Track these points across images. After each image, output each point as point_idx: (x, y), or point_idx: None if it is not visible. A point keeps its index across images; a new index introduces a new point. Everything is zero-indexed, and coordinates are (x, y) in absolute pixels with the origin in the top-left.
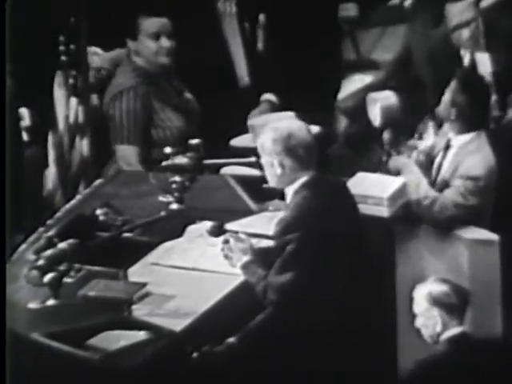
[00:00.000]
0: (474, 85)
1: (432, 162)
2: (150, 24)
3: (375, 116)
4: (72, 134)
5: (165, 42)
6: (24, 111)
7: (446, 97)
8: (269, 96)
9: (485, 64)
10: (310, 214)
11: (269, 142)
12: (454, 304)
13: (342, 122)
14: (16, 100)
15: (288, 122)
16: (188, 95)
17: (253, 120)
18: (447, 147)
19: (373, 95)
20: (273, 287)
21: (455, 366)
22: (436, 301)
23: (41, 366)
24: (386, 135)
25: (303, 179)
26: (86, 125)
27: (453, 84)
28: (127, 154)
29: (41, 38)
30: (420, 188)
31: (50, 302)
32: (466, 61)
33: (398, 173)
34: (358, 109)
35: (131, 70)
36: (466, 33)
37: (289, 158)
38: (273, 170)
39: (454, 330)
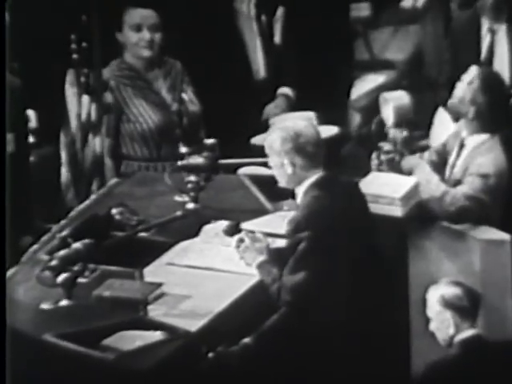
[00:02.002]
0: (497, 87)
1: (445, 162)
2: (133, 15)
3: (388, 116)
4: (85, 133)
5: (145, 34)
6: (30, 113)
7: (464, 93)
8: (285, 90)
9: (503, 39)
10: (320, 213)
11: (278, 142)
12: (466, 307)
13: (356, 122)
14: (23, 99)
15: (295, 121)
16: (185, 95)
17: (274, 119)
18: (461, 146)
19: (385, 95)
20: (286, 287)
21: (468, 368)
22: (448, 304)
23: (51, 368)
24: (399, 135)
25: (312, 179)
26: (98, 123)
27: (474, 82)
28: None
29: (50, 37)
30: (431, 184)
31: (63, 303)
32: (485, 45)
33: (410, 172)
34: (372, 108)
35: (116, 64)
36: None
37: (299, 157)
38: (283, 169)
39: (467, 333)
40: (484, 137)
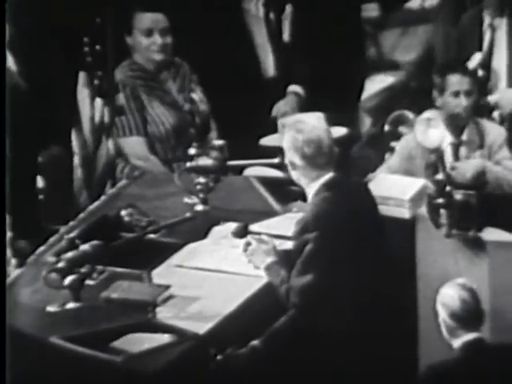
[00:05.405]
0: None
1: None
2: (143, 20)
3: (434, 139)
4: (98, 135)
5: (157, 39)
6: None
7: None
8: (295, 88)
9: (502, 35)
10: (328, 214)
11: (283, 141)
12: (457, 312)
13: (366, 123)
14: (28, 102)
15: (303, 122)
16: (195, 95)
17: (283, 119)
18: (457, 147)
19: (427, 115)
20: (294, 289)
21: (469, 372)
22: (443, 304)
23: (58, 371)
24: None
25: (322, 180)
26: (111, 125)
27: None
28: (136, 147)
29: (62, 39)
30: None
31: (71, 305)
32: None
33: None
34: (381, 109)
35: (127, 64)
36: None
37: (297, 157)
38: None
39: (469, 336)
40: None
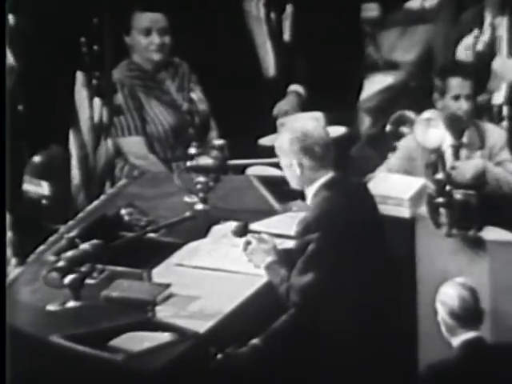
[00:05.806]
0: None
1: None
2: (142, 19)
3: (434, 139)
4: (97, 135)
5: (155, 39)
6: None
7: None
8: (296, 87)
9: (503, 35)
10: (329, 214)
11: (286, 143)
12: (456, 310)
13: (365, 123)
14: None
15: (303, 122)
16: (194, 95)
17: (283, 119)
18: (457, 148)
19: (427, 115)
20: (295, 288)
21: (468, 370)
22: (443, 303)
23: (59, 369)
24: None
25: (322, 180)
26: (110, 125)
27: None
28: (135, 147)
29: (59, 39)
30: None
31: (71, 304)
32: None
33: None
34: (380, 109)
35: (125, 64)
36: None
37: (306, 158)
38: (292, 170)
39: (468, 335)
40: (468, 132)
